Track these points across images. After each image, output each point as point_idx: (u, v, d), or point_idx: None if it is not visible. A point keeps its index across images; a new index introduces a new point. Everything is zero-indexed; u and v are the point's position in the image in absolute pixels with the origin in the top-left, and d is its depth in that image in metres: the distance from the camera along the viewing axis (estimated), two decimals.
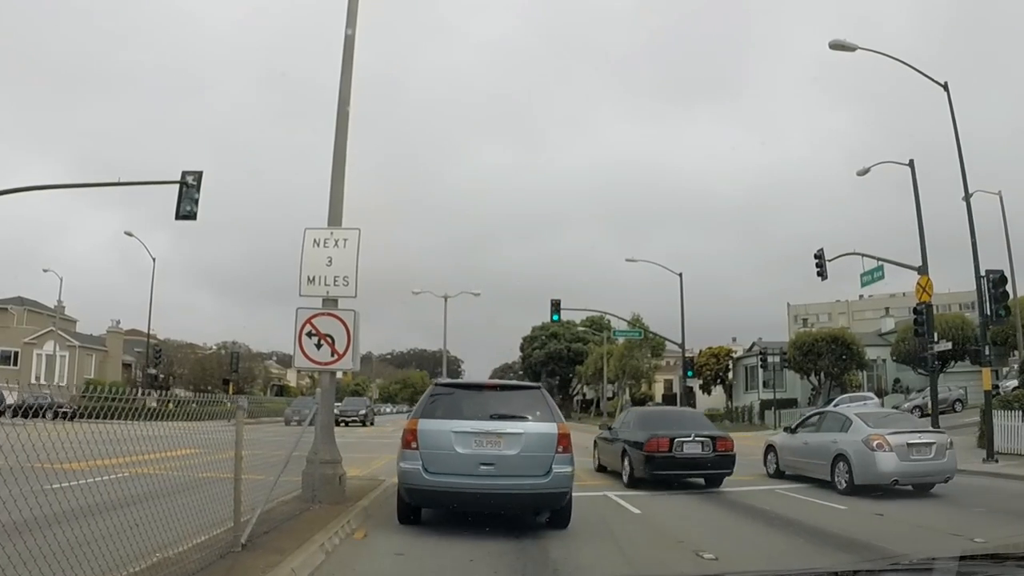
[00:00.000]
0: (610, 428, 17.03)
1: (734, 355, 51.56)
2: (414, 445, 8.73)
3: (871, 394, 42.99)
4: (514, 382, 14.03)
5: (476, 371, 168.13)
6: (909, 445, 12.91)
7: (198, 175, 20.82)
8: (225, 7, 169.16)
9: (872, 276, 31.85)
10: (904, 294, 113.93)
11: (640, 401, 71.20)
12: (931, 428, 15.75)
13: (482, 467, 8.41)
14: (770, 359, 42.02)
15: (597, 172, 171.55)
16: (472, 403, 9.16)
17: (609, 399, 71.04)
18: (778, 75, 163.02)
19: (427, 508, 9.12)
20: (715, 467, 13.95)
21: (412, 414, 9.58)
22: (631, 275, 70.79)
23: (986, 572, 2.75)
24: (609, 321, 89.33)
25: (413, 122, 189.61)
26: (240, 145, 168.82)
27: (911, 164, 29.56)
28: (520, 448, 8.49)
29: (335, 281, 10.11)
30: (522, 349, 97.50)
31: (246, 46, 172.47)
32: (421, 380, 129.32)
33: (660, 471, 13.57)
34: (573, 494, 9.04)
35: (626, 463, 14.36)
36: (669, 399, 65.22)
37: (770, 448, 16.65)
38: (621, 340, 69.96)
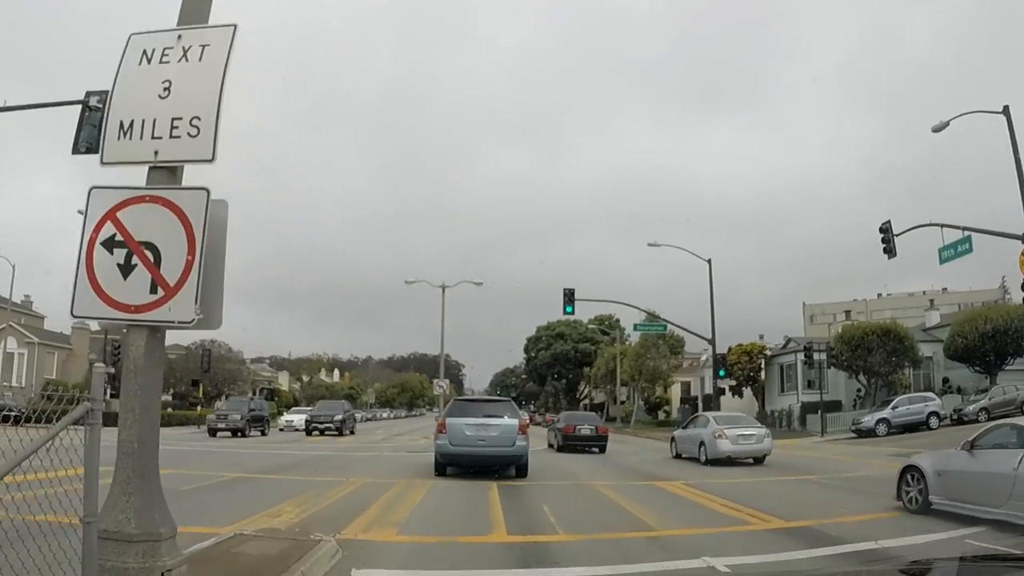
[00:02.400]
0: (555, 422, 30.46)
1: (768, 352, 45.94)
2: (444, 431, 15.23)
3: (932, 394, 37.40)
4: (496, 397, 25.46)
5: (477, 376, 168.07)
6: (739, 435, 20.36)
7: (104, 95, 15.35)
8: (249, 14, 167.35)
9: (955, 250, 26.59)
10: (924, 292, 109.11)
11: (656, 405, 65.67)
12: (757, 424, 22.85)
13: (479, 442, 14.99)
14: (816, 356, 36.51)
15: (611, 177, 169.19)
16: (474, 408, 16.07)
17: (621, 403, 65.45)
18: (794, 80, 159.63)
19: (450, 466, 15.42)
20: (596, 441, 26.47)
21: (442, 415, 16.52)
22: (642, 278, 66.24)
23: (986, 572, 2.80)
24: (619, 320, 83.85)
25: (432, 127, 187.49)
26: (260, 150, 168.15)
27: (1006, 111, 24.36)
28: (499, 432, 15.07)
29: (174, 129, 4.56)
30: (526, 351, 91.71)
31: (270, 52, 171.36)
32: (420, 384, 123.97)
33: (569, 442, 26.09)
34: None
35: (556, 439, 27.33)
36: (691, 404, 59.54)
37: (672, 439, 24.67)
38: (634, 339, 64.56)
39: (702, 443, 21.09)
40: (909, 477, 10.94)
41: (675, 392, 67.36)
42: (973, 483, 9.57)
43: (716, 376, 39.59)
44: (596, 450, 26.11)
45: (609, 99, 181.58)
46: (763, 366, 45.65)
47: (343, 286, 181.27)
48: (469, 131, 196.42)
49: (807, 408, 41.03)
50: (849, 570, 4.67)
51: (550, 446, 27.77)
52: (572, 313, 37.53)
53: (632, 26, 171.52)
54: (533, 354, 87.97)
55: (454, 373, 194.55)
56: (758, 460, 20.64)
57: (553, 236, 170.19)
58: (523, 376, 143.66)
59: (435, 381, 38.32)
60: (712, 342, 39.92)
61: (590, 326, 79.11)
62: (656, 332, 39.60)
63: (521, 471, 15.34)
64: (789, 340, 46.35)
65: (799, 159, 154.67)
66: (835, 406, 41.31)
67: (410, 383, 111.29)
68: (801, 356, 43.14)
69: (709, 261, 40.31)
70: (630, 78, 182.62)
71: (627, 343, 65.07)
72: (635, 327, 39.23)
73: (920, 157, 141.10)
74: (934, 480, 10.30)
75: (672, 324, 39.69)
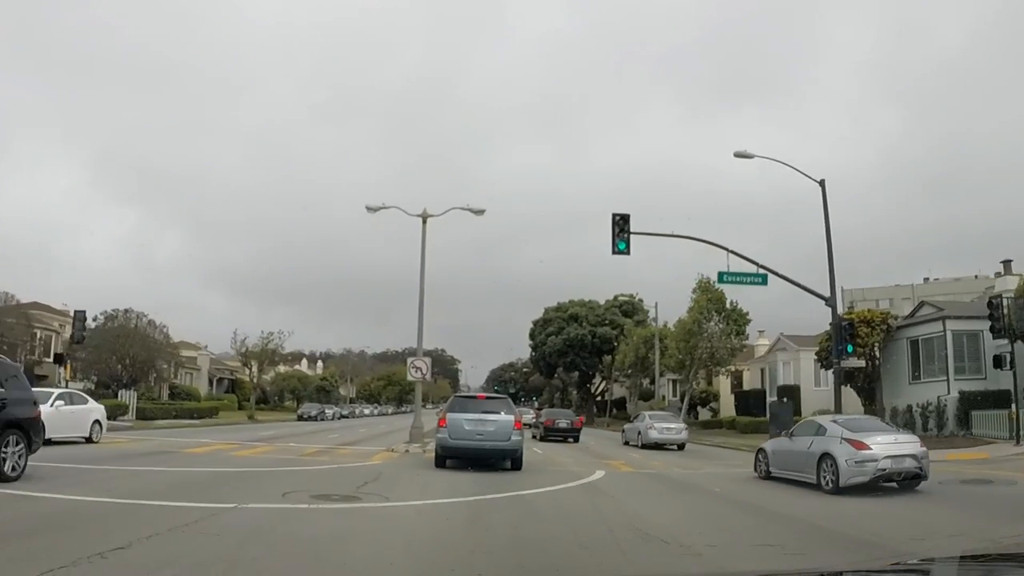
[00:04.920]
0: (539, 416, 38.76)
1: (894, 322, 32.15)
2: (444, 426, 15.99)
3: None
4: (493, 394, 23.83)
5: (473, 372, 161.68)
6: (664, 428, 28.81)
7: None
8: (263, 7, 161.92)
9: None
10: (976, 276, 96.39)
11: (702, 400, 52.09)
12: (679, 420, 31.40)
13: (477, 436, 15.70)
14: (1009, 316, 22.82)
15: (626, 172, 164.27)
16: (473, 405, 16.93)
17: (662, 397, 51.76)
18: (813, 75, 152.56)
19: (450, 459, 16.16)
20: (571, 432, 32.27)
21: (443, 411, 17.06)
22: (654, 278, 55.04)
23: (986, 572, 2.77)
24: (642, 300, 70.00)
25: (449, 122, 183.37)
26: (271, 145, 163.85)
27: None
28: (496, 427, 15.81)
29: None
30: (532, 336, 77.41)
31: (287, 48, 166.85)
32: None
33: (549, 433, 32.21)
34: None
35: (538, 431, 33.70)
36: (752, 399, 45.75)
37: (623, 431, 33.21)
38: (668, 320, 50.82)
39: (639, 432, 29.50)
40: (759, 456, 16.05)
41: (724, 385, 53.60)
42: (789, 458, 14.62)
43: (840, 354, 25.92)
44: (571, 439, 31.68)
45: (628, 93, 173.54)
46: (878, 346, 31.84)
47: (347, 281, 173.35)
48: (487, 126, 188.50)
49: (968, 401, 27.43)
50: (847, 570, 4.57)
51: (533, 437, 32.08)
52: (625, 251, 23.85)
53: (654, 18, 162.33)
54: (541, 340, 73.84)
55: (450, 368, 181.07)
56: (680, 447, 28.57)
57: (561, 233, 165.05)
58: (524, 370, 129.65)
59: (409, 361, 24.52)
60: (830, 301, 26.34)
61: (621, 298, 65.45)
62: (752, 284, 25.88)
63: (516, 464, 16.21)
64: (923, 303, 32.64)
65: (816, 154, 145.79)
66: (1000, 398, 27.70)
67: (398, 375, 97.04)
68: (950, 325, 29.54)
69: (822, 182, 27.07)
70: (650, 72, 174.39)
71: (664, 326, 51.27)
72: (720, 278, 25.55)
73: (934, 153, 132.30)
74: (772, 457, 15.39)
75: (776, 274, 25.97)
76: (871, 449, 12.57)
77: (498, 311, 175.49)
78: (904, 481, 12.96)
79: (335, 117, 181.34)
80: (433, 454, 16.91)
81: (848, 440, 12.84)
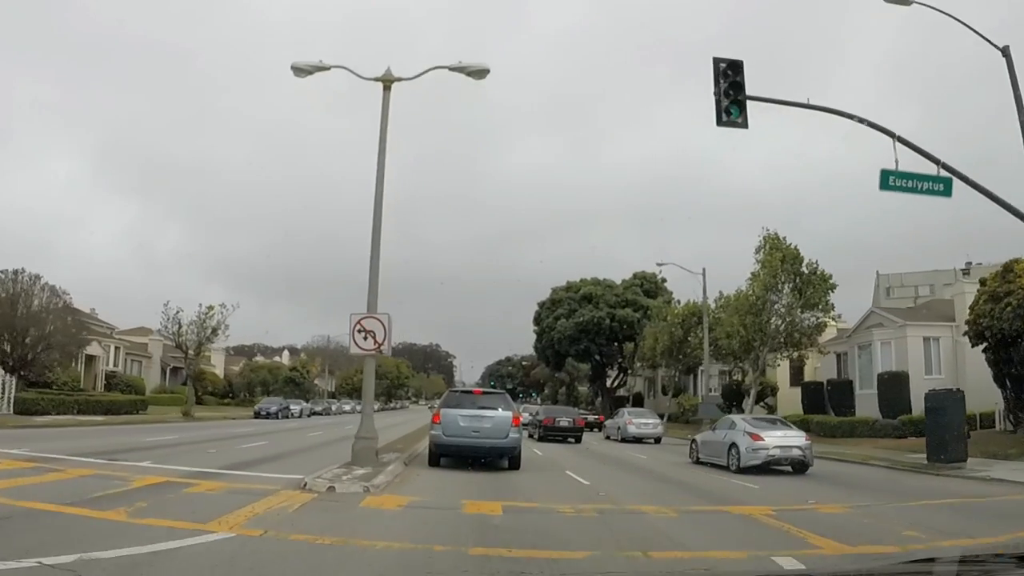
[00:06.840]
0: (536, 414, 34.42)
1: None
2: (438, 422, 15.59)
3: None
4: (490, 389, 24.71)
5: (468, 369, 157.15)
6: (642, 423, 32.00)
7: None
8: (279, 4, 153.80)
9: None
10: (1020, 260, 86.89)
11: (758, 395, 41.62)
12: (655, 415, 34.81)
13: (473, 433, 15.28)
14: None
15: (638, 170, 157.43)
16: (468, 400, 16.53)
17: (710, 391, 41.36)
18: (825, 72, 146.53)
19: (444, 456, 15.66)
20: (573, 432, 30.43)
21: (437, 407, 16.81)
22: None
23: (986, 572, 2.77)
24: (664, 280, 59.90)
25: (460, 117, 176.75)
26: (276, 140, 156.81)
27: None
28: (492, 424, 15.38)
29: None
30: (537, 320, 66.78)
31: (296, 43, 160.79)
32: (396, 368, 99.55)
33: (548, 433, 30.06)
34: None
35: (537, 431, 30.78)
36: (832, 391, 35.46)
37: (604, 427, 38.35)
38: (688, 299, 40.50)
39: (619, 428, 32.47)
40: (692, 445, 20.55)
41: (781, 376, 43.18)
42: (712, 447, 18.69)
43: None
44: (572, 439, 30.13)
45: (643, 90, 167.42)
46: None
47: (350, 279, 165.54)
48: (499, 121, 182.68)
49: None
50: (847, 569, 4.80)
51: (530, 436, 29.86)
52: (738, 120, 13.63)
53: (669, 15, 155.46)
54: (548, 324, 63.32)
55: (445, 364, 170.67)
56: (657, 440, 31.18)
57: (575, 229, 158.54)
58: (523, 363, 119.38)
59: (352, 320, 13.94)
60: None
61: (640, 276, 55.14)
62: (930, 193, 15.55)
63: (513, 463, 15.91)
64: None
65: (825, 150, 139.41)
66: None
67: (385, 365, 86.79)
68: None
69: (1005, 49, 16.87)
70: (666, 68, 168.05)
71: (674, 304, 40.86)
72: (883, 180, 15.28)
73: (947, 151, 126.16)
74: (700, 446, 19.65)
75: (967, 181, 15.67)
76: (764, 440, 16.69)
77: (499, 311, 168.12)
78: (796, 466, 16.79)
79: (343, 112, 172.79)
80: (391, 495, 12.51)
81: (749, 433, 17.09)
